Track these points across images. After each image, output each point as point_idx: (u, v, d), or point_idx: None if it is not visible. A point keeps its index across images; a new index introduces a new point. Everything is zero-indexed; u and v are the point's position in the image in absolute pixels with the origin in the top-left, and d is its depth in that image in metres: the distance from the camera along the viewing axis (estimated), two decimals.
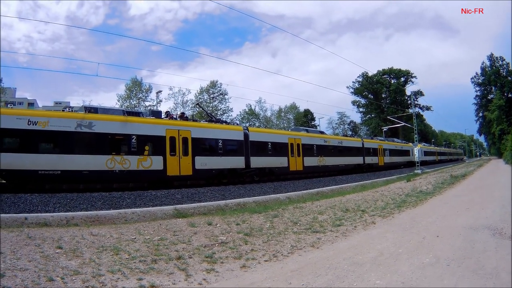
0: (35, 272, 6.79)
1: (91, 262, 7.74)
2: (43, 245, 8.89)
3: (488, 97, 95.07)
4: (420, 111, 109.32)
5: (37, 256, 7.86)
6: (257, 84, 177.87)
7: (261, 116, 78.13)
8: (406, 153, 62.50)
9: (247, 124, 66.01)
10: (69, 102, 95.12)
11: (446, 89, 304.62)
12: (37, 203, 15.36)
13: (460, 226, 10.57)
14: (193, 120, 29.47)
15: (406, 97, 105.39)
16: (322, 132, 44.22)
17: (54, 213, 13.67)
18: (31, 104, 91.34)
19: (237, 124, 35.58)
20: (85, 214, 13.63)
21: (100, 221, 13.30)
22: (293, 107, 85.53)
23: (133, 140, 21.76)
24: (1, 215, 12.60)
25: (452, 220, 11.77)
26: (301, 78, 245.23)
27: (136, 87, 62.25)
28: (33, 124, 18.60)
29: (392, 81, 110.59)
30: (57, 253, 8.27)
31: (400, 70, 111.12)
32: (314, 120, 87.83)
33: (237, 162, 27.72)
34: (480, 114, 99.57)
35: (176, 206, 16.29)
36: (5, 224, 11.59)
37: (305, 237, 10.37)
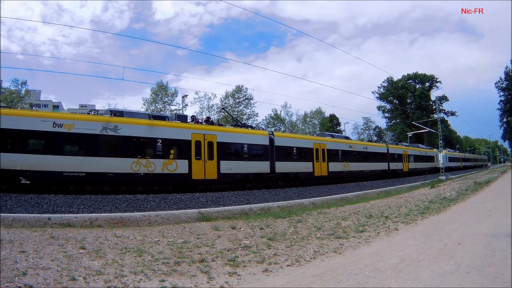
0: (57, 271, 6.81)
1: (114, 263, 7.75)
2: (66, 245, 8.96)
3: None
4: (445, 116, 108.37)
5: (60, 256, 7.90)
6: (283, 89, 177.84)
7: (286, 121, 78.04)
8: (430, 159, 61.72)
9: (273, 129, 65.98)
10: (95, 105, 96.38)
11: (471, 94, 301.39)
12: (61, 204, 15.56)
13: (482, 233, 10.36)
14: (219, 125, 29.53)
15: (431, 102, 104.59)
16: (347, 138, 43.91)
17: (78, 214, 13.84)
18: (56, 106, 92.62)
19: (263, 129, 35.60)
20: (109, 216, 13.75)
21: (124, 223, 13.40)
22: (319, 112, 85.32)
23: (158, 144, 21.87)
24: (24, 215, 12.80)
25: (474, 227, 11.56)
26: (326, 83, 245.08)
27: (162, 91, 62.68)
28: (58, 127, 18.82)
29: (417, 86, 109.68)
30: (80, 253, 8.31)
31: (425, 75, 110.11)
32: (340, 125, 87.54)
33: (262, 166, 27.67)
34: (505, 120, 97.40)
35: (201, 209, 16.34)
36: (28, 224, 11.75)
37: (328, 243, 10.25)
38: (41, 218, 12.41)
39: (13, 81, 55.22)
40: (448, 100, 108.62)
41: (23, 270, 6.60)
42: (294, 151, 30.78)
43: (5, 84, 56.53)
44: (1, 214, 12.29)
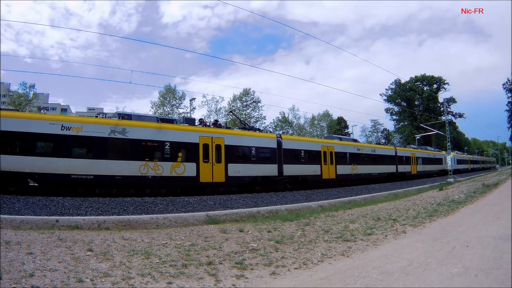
0: (64, 273, 6.85)
1: (122, 265, 7.77)
2: (74, 247, 9.00)
3: None
4: (453, 118, 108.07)
5: (67, 258, 7.93)
6: (291, 92, 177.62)
7: (294, 124, 77.78)
8: (439, 161, 61.42)
9: (280, 132, 65.88)
10: (103, 108, 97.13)
11: (480, 96, 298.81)
12: (69, 206, 15.65)
13: (490, 236, 10.32)
14: (227, 128, 29.43)
15: (439, 104, 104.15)
16: (355, 140, 43.73)
17: (86, 217, 13.95)
18: (64, 109, 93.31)
19: (270, 132, 35.59)
20: (117, 218, 13.83)
21: (131, 226, 13.45)
22: (327, 114, 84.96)
23: (166, 147, 21.93)
24: (32, 217, 12.88)
25: (482, 229, 11.50)
26: (335, 85, 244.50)
27: (170, 94, 62.77)
28: (66, 130, 18.92)
29: (425, 88, 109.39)
30: (88, 255, 8.34)
31: (432, 77, 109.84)
32: (348, 128, 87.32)
33: (270, 169, 27.65)
34: None
35: (208, 212, 16.41)
36: (36, 226, 11.83)
37: (335, 246, 10.23)
38: (49, 220, 12.50)
39: (21, 84, 55.63)
40: (456, 102, 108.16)
41: (30, 272, 6.64)
42: (302, 154, 30.73)
43: (13, 87, 57.00)
44: (9, 216, 12.37)
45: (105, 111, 62.16)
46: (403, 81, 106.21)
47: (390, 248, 9.83)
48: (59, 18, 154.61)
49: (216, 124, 28.60)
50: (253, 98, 66.93)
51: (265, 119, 70.34)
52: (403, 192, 29.63)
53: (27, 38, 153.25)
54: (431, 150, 61.72)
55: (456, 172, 61.28)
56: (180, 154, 22.59)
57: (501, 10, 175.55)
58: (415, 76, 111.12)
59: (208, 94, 70.61)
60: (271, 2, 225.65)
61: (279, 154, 28.52)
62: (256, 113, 68.92)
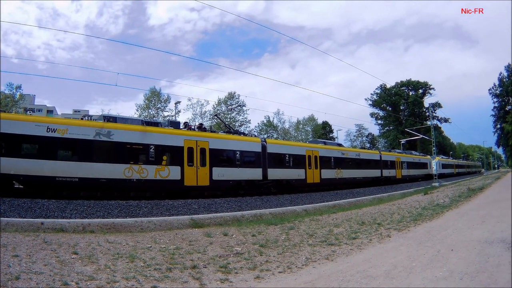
0: (50, 276, 6.85)
1: (106, 268, 7.77)
2: (59, 250, 8.97)
3: (506, 109, 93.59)
4: (438, 123, 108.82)
5: (52, 261, 7.92)
6: (276, 96, 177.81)
7: (279, 128, 77.73)
8: (424, 166, 61.86)
9: (265, 136, 65.88)
10: (88, 110, 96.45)
11: (467, 101, 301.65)
12: (53, 209, 15.56)
13: (475, 239, 10.34)
14: (211, 131, 29.37)
15: (424, 109, 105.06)
16: (340, 145, 44.07)
17: (71, 219, 13.87)
18: (50, 111, 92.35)
19: (255, 136, 35.60)
20: (102, 221, 13.76)
21: (116, 229, 13.39)
22: (311, 119, 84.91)
23: (151, 150, 21.91)
24: (18, 219, 12.80)
25: (467, 233, 11.54)
26: (321, 90, 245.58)
27: (155, 97, 62.43)
28: (52, 132, 18.84)
29: (410, 93, 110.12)
30: (73, 258, 8.33)
31: (418, 82, 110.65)
32: (332, 132, 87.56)
33: (254, 173, 27.72)
34: (498, 126, 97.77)
35: (193, 216, 16.32)
36: (21, 228, 11.76)
37: (320, 250, 10.26)
38: (34, 223, 12.42)
39: (7, 85, 54.90)
40: (441, 107, 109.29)
41: (16, 275, 6.64)
42: (287, 158, 30.90)
43: None
44: None
45: (90, 113, 61.50)
46: (388, 86, 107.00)
47: (374, 252, 9.88)
48: (47, 18, 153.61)
49: (201, 127, 28.51)
50: (238, 102, 66.84)
51: (250, 123, 70.26)
52: (387, 196, 29.70)
53: (14, 38, 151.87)
54: (416, 155, 62.13)
55: (441, 176, 61.69)
56: (164, 158, 22.60)
57: (489, 16, 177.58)
58: (401, 81, 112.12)
59: (193, 97, 69.93)
60: (257, 6, 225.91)
61: (264, 158, 28.60)
62: (241, 117, 68.79)
